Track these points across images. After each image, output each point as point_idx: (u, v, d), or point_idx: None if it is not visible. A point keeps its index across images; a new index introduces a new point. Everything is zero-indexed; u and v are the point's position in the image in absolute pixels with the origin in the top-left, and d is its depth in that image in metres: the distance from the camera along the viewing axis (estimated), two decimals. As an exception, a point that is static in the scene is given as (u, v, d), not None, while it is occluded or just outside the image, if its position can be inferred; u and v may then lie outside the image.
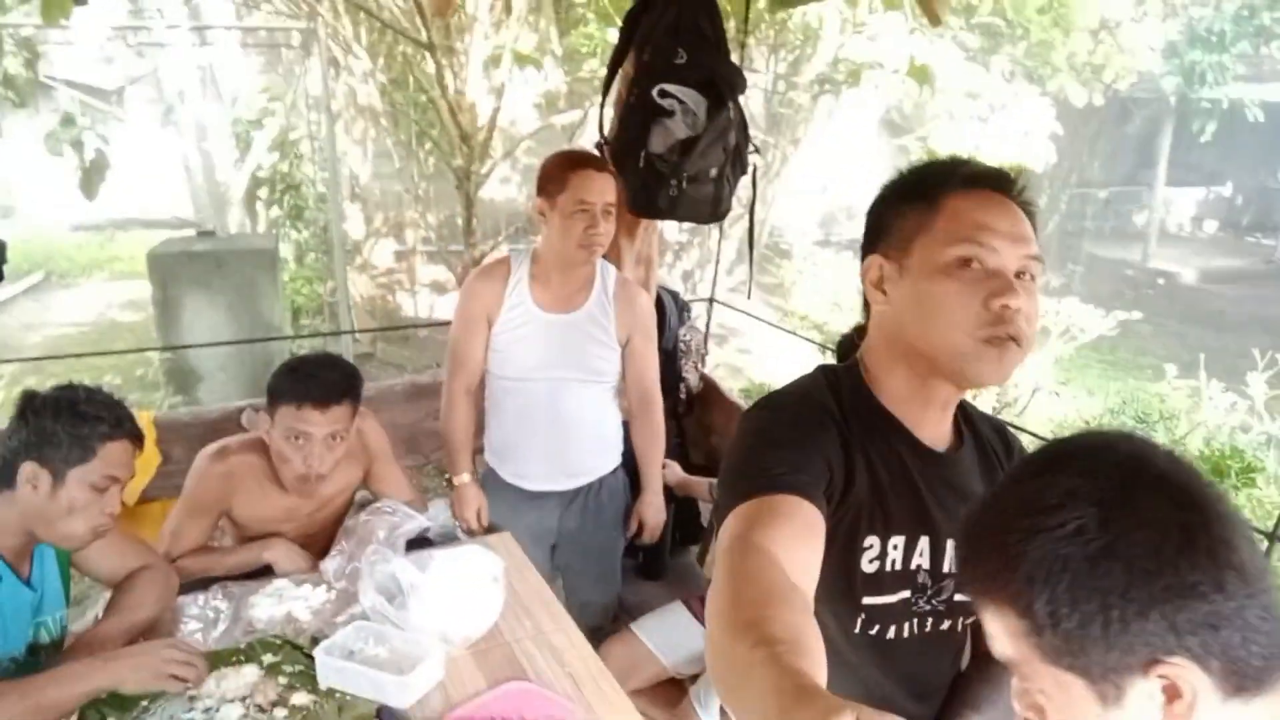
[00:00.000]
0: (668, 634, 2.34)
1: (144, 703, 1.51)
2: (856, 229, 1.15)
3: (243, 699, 1.56)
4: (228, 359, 5.17)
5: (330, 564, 1.92)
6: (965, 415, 1.22)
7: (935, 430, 1.15)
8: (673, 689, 2.35)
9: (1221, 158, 13.42)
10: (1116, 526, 0.67)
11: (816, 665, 0.72)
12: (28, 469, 1.51)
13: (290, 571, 1.99)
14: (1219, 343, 8.25)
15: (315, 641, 1.69)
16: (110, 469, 1.56)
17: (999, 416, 1.38)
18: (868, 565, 1.10)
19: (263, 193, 7.72)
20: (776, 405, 1.14)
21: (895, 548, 1.11)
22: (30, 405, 1.55)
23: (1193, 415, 5.04)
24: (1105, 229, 13.55)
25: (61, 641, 1.67)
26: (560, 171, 2.22)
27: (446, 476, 2.42)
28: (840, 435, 1.09)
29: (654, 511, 2.52)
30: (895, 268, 1.09)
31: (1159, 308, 9.38)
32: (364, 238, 8.96)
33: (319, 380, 1.92)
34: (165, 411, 2.87)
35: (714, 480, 2.65)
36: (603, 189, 2.20)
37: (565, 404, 2.35)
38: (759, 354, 8.10)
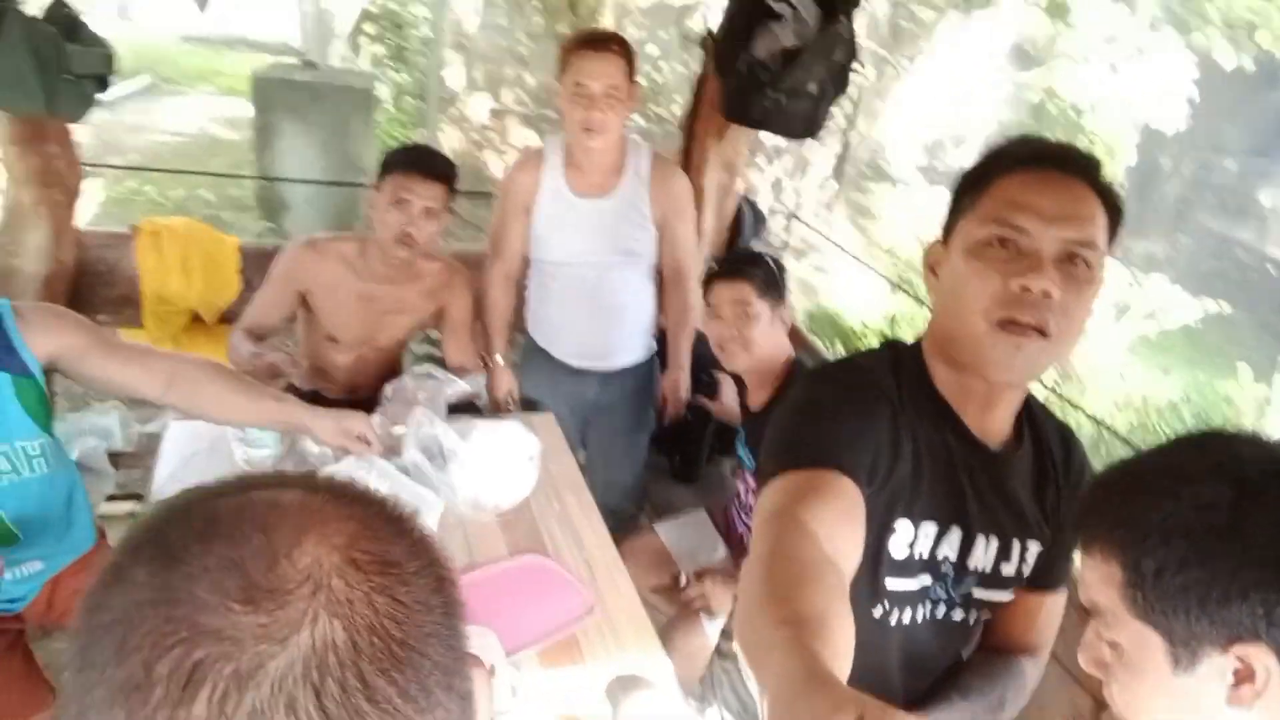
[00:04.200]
0: (688, 540, 2.43)
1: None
2: (963, 159, 1.10)
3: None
4: (315, 194, 5.30)
5: (374, 424, 2.01)
6: (1031, 416, 1.18)
7: (988, 424, 1.11)
8: (686, 589, 2.45)
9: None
10: (1247, 510, 0.70)
11: (839, 651, 0.72)
12: None
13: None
14: (1314, 345, 7.83)
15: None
16: None
17: (1058, 391, 1.34)
18: (896, 550, 1.09)
19: (369, 28, 7.69)
20: (836, 378, 1.11)
21: (926, 535, 1.10)
22: None
23: (1257, 424, 4.83)
24: (1227, 203, 12.75)
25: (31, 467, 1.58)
26: (565, 52, 2.19)
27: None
28: (893, 417, 1.06)
29: (675, 388, 2.57)
30: (946, 252, 1.05)
31: (1260, 296, 8.88)
32: (462, 89, 8.91)
33: (426, 155, 2.17)
34: (251, 240, 2.98)
35: None
36: (603, 71, 2.13)
37: (605, 288, 2.41)
38: (835, 275, 7.97)
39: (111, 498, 2.54)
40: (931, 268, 1.09)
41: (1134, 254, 10.59)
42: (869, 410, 1.05)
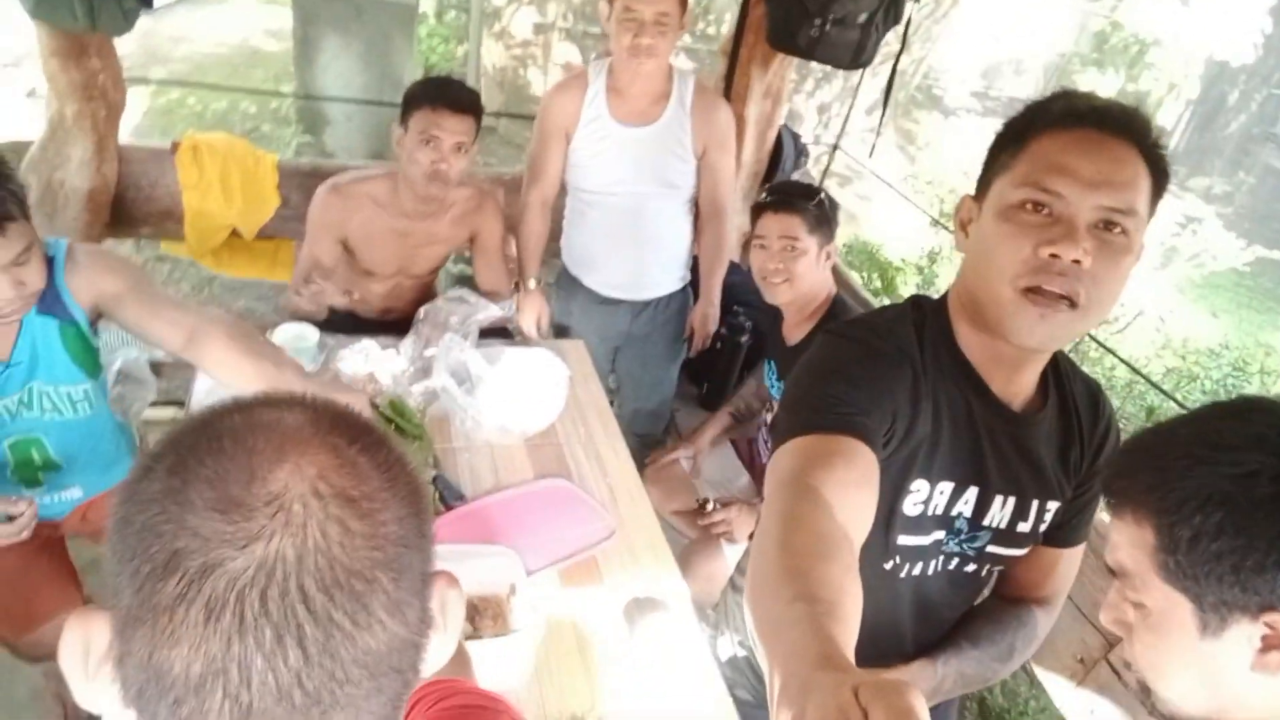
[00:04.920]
0: (713, 469, 2.47)
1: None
2: (1020, 87, 1.05)
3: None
4: (356, 110, 5.28)
5: (406, 346, 2.06)
6: (1058, 374, 1.16)
7: (1012, 386, 1.09)
8: (708, 515, 2.51)
9: None
10: None
11: (850, 628, 0.73)
12: None
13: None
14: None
15: (392, 405, 1.86)
16: None
17: (1093, 335, 1.30)
18: (910, 508, 1.09)
19: (413, -63, 7.51)
20: (857, 338, 1.09)
21: (941, 493, 1.10)
22: None
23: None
24: (1295, 140, 12.20)
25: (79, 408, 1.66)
26: None
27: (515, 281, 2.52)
28: (913, 377, 1.05)
29: (704, 321, 2.59)
30: (978, 209, 1.03)
31: (1322, 241, 8.56)
32: (506, 3, 8.73)
33: (452, 88, 2.08)
34: (288, 158, 2.99)
35: None
36: None
37: (643, 218, 2.39)
38: (879, 204, 7.82)
39: (154, 404, 2.63)
40: (962, 224, 1.06)
41: (1192, 190, 10.25)
42: (888, 372, 1.04)
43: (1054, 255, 0.92)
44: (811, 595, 0.72)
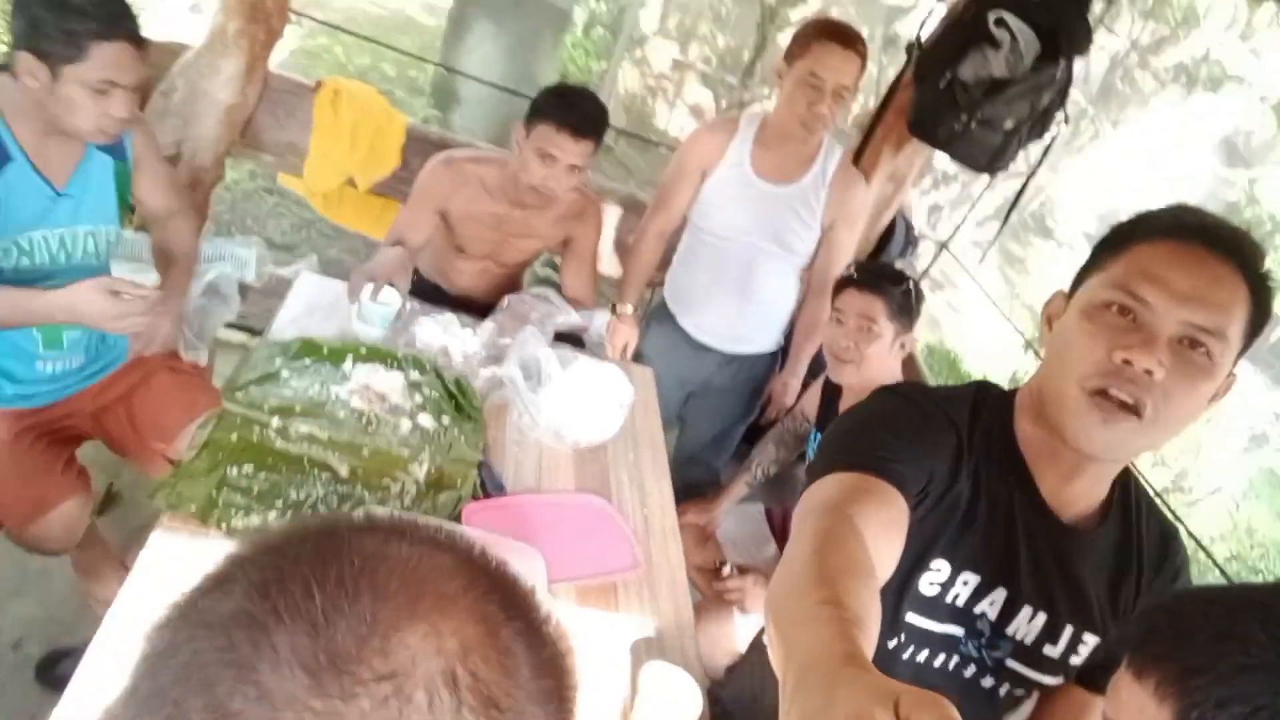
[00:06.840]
0: (741, 531, 2.43)
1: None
2: None
3: (382, 397, 1.76)
4: (488, 94, 5.40)
5: (484, 330, 2.07)
6: (1127, 501, 1.10)
7: (1065, 494, 1.05)
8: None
9: None
10: None
11: (870, 648, 0.70)
12: (24, 60, 1.43)
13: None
14: None
15: (458, 383, 1.86)
16: (104, 71, 1.45)
17: (1165, 499, 1.25)
18: (926, 586, 1.05)
19: (583, -52, 7.74)
20: (910, 396, 1.08)
21: (965, 584, 1.05)
22: None
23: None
24: None
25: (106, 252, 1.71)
26: (806, 37, 2.15)
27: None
28: (957, 445, 1.03)
29: (784, 391, 2.57)
30: (1066, 305, 1.01)
31: None
32: (653, 33, 8.92)
33: (580, 110, 2.03)
34: (418, 124, 3.06)
35: None
36: (841, 68, 2.11)
37: (753, 272, 2.39)
38: (967, 317, 7.71)
39: (230, 325, 2.68)
40: (1049, 319, 1.05)
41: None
42: (932, 436, 1.02)
43: (1127, 361, 0.89)
44: (839, 602, 0.70)
